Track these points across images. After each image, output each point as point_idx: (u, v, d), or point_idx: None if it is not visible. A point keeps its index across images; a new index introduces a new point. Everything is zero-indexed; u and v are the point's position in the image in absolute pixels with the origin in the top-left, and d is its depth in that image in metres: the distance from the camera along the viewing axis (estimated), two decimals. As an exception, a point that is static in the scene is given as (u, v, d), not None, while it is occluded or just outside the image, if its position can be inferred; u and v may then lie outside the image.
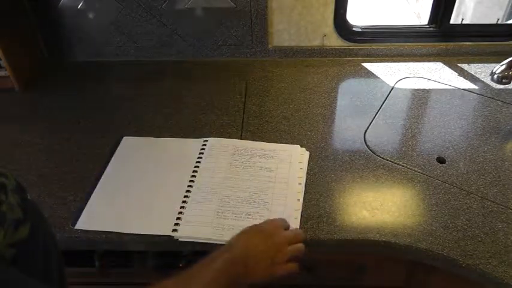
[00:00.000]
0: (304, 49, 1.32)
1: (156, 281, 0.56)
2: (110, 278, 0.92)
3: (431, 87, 1.20)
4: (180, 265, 0.86)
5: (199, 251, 0.78)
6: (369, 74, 1.26)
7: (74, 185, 0.91)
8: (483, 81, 1.21)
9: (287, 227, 0.75)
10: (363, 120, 1.07)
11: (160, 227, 0.80)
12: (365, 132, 1.03)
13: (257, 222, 0.77)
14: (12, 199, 0.46)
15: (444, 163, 0.95)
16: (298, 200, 0.85)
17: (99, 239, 0.81)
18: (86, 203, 0.85)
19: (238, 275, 0.63)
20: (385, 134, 1.03)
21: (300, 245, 0.71)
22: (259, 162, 0.94)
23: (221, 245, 0.77)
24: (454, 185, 0.89)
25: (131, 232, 0.80)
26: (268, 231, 0.70)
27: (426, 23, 1.34)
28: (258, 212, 0.83)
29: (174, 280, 0.58)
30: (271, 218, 0.81)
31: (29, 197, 0.52)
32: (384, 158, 0.96)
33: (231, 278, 0.62)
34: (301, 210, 0.83)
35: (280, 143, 1.00)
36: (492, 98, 1.15)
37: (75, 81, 1.28)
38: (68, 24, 1.27)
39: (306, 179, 0.90)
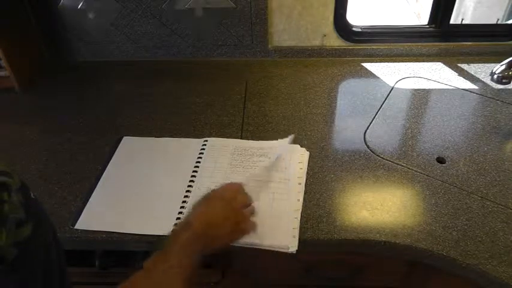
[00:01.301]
0: (304, 49, 1.32)
1: (124, 280, 0.56)
2: (110, 278, 0.92)
3: (431, 87, 1.20)
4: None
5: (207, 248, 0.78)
6: (369, 74, 1.26)
7: (74, 185, 0.91)
8: (483, 81, 1.21)
9: (240, 189, 0.76)
10: (363, 120, 1.07)
11: (160, 227, 0.80)
12: (365, 132, 1.03)
13: (257, 221, 0.77)
14: (15, 198, 0.46)
15: (444, 163, 0.95)
16: (298, 200, 0.85)
17: (99, 239, 0.81)
18: (86, 203, 0.85)
19: (203, 247, 0.65)
20: (385, 134, 1.03)
21: (252, 207, 0.75)
22: (259, 162, 0.94)
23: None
24: (454, 185, 0.89)
25: (131, 232, 0.80)
26: (226, 197, 0.71)
27: (426, 23, 1.34)
28: (258, 212, 0.83)
29: (143, 273, 0.58)
30: (271, 217, 0.82)
31: (32, 196, 0.52)
32: (384, 158, 0.96)
33: (197, 253, 0.63)
34: (301, 210, 0.83)
35: (280, 143, 1.00)
36: (492, 98, 1.15)
37: (75, 81, 1.28)
38: (68, 24, 1.27)
39: (306, 179, 0.90)
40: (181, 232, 0.64)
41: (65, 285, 0.54)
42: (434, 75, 1.25)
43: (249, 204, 0.76)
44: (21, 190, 0.48)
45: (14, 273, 0.43)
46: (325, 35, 1.29)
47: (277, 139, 1.01)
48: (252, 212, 0.76)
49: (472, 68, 1.27)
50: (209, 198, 0.71)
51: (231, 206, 0.71)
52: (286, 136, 0.95)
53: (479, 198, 0.85)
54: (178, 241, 0.63)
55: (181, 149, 0.99)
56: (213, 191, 0.73)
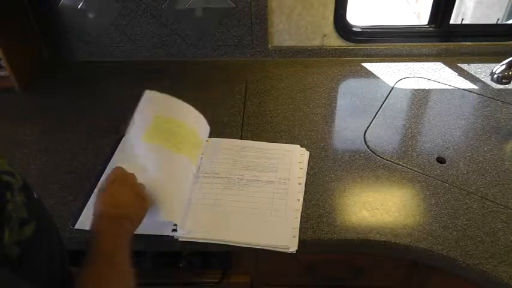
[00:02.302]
0: (304, 49, 1.32)
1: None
2: (110, 278, 0.92)
3: (431, 87, 1.20)
4: (180, 265, 0.86)
5: (199, 251, 0.78)
6: (369, 74, 1.26)
7: (74, 185, 0.91)
8: (483, 81, 1.21)
9: (122, 171, 0.76)
10: (363, 120, 1.07)
11: (160, 227, 0.80)
12: (365, 132, 1.03)
13: (258, 222, 0.77)
14: (18, 198, 0.46)
15: (444, 163, 0.95)
16: (298, 200, 0.85)
17: (99, 239, 0.80)
18: (86, 203, 0.85)
19: (129, 229, 0.66)
20: (385, 134, 1.03)
21: (142, 185, 0.75)
22: (259, 162, 0.94)
23: (221, 244, 0.78)
24: (454, 185, 0.89)
25: (131, 232, 0.80)
26: (119, 179, 0.72)
27: (426, 23, 1.34)
28: (258, 212, 0.83)
29: (87, 274, 0.57)
30: (271, 217, 0.82)
31: (35, 196, 0.52)
32: (383, 158, 0.96)
33: (125, 236, 0.64)
34: (301, 210, 0.83)
35: (280, 143, 1.00)
36: (492, 98, 1.15)
37: (75, 81, 1.28)
38: (68, 24, 1.27)
39: (306, 179, 0.90)
40: (95, 223, 0.65)
41: (68, 284, 0.54)
42: (434, 75, 1.25)
43: (136, 181, 0.75)
44: (24, 190, 0.48)
45: (21, 269, 0.43)
46: (325, 35, 1.29)
47: (277, 139, 1.01)
48: (141, 185, 0.75)
49: (472, 68, 1.27)
50: (105, 189, 0.71)
51: (128, 184, 0.72)
52: (286, 136, 0.95)
53: (479, 198, 0.85)
54: (99, 233, 0.63)
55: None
56: (103, 182, 0.73)
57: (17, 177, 0.48)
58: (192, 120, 0.94)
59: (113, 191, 0.70)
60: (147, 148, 0.84)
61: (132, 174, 0.75)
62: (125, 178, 0.73)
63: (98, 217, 0.66)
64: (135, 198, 0.71)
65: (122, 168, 0.75)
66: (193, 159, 0.89)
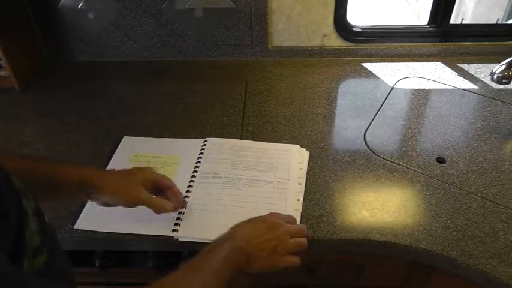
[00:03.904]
0: (304, 49, 1.32)
1: (159, 278, 0.56)
2: (110, 278, 0.92)
3: (431, 87, 1.20)
4: (180, 265, 0.86)
5: (199, 251, 0.78)
6: (369, 74, 1.26)
7: (74, 185, 0.90)
8: (483, 81, 1.21)
9: (292, 222, 0.75)
10: (363, 120, 1.07)
11: (160, 227, 0.80)
12: (365, 132, 1.03)
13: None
14: (32, 225, 0.42)
15: (444, 163, 0.95)
16: (298, 200, 0.85)
17: (99, 239, 0.81)
18: (86, 203, 0.85)
19: (240, 264, 0.63)
20: (385, 134, 1.03)
21: (303, 239, 0.71)
22: (259, 162, 0.94)
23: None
24: (454, 185, 0.89)
25: (131, 232, 0.80)
26: (271, 222, 0.70)
27: (426, 23, 1.34)
28: (258, 212, 0.82)
29: (179, 273, 0.58)
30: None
31: (46, 220, 0.48)
32: (383, 158, 0.96)
33: (233, 267, 0.62)
34: (301, 210, 0.83)
35: (280, 143, 1.00)
36: (492, 98, 1.15)
37: (75, 81, 1.28)
38: (68, 24, 1.27)
39: (306, 179, 0.90)
40: (223, 243, 0.64)
41: None
42: (434, 75, 1.25)
43: (298, 236, 0.71)
44: (37, 214, 0.44)
45: None
46: (325, 35, 1.29)
47: (277, 139, 1.01)
48: (301, 245, 0.71)
49: (472, 68, 1.27)
50: (255, 220, 0.70)
51: (274, 232, 0.69)
52: (286, 136, 0.95)
53: (479, 198, 0.85)
54: (220, 252, 0.62)
55: (181, 149, 0.99)
56: (259, 216, 0.72)
57: (29, 199, 0.44)
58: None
59: (258, 230, 0.67)
60: None
61: (293, 227, 0.71)
62: (279, 224, 0.70)
63: (227, 238, 0.65)
64: (271, 251, 0.67)
65: (289, 217, 0.74)
66: None
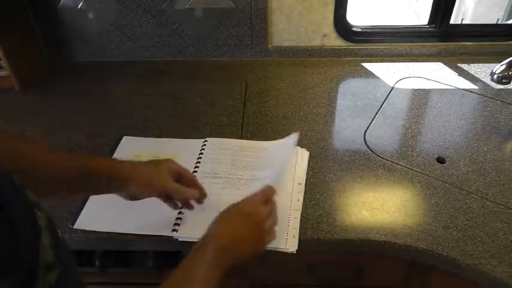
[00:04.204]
0: (304, 49, 1.32)
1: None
2: (110, 278, 0.92)
3: (431, 87, 1.20)
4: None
5: (231, 263, 0.77)
6: (369, 74, 1.26)
7: (74, 185, 0.90)
8: (483, 81, 1.21)
9: (266, 198, 0.72)
10: (363, 120, 1.07)
11: (160, 227, 0.80)
12: (365, 132, 1.03)
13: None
14: (45, 240, 0.39)
15: (444, 163, 0.95)
16: (298, 200, 0.85)
17: (99, 239, 0.81)
18: (86, 203, 0.85)
19: (228, 263, 0.63)
20: (385, 134, 1.03)
21: (274, 217, 0.71)
22: (259, 162, 0.94)
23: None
24: (454, 185, 0.89)
25: (131, 232, 0.80)
26: (248, 211, 0.69)
27: (426, 23, 1.34)
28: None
29: (167, 284, 0.57)
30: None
31: (59, 234, 0.46)
32: (383, 158, 0.96)
33: (222, 268, 0.62)
34: (301, 210, 0.83)
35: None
36: (492, 98, 1.15)
37: (75, 81, 1.28)
38: (68, 24, 1.27)
39: (306, 179, 0.90)
40: (207, 245, 0.63)
41: None
42: (434, 75, 1.25)
43: (271, 214, 0.71)
44: (50, 228, 0.42)
45: None
46: (325, 35, 1.29)
47: (277, 139, 1.01)
48: (275, 222, 0.72)
49: (472, 68, 1.27)
50: (231, 214, 0.69)
51: (253, 221, 0.68)
52: (288, 135, 0.95)
53: (479, 198, 0.85)
54: (204, 257, 0.61)
55: (181, 149, 0.99)
56: (234, 205, 0.70)
57: (42, 210, 0.41)
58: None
59: (239, 226, 0.67)
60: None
61: (267, 207, 0.70)
62: (256, 212, 0.69)
63: (210, 241, 0.63)
64: (255, 242, 0.68)
65: (261, 197, 0.71)
66: None
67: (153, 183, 0.71)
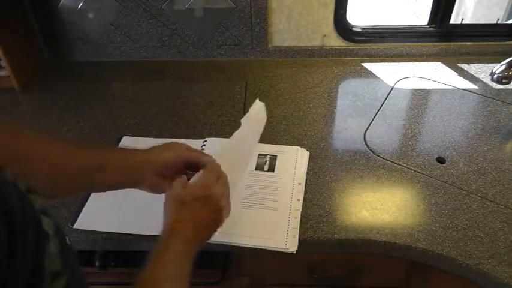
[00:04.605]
0: (304, 49, 1.32)
1: None
2: (110, 278, 0.92)
3: (431, 87, 1.20)
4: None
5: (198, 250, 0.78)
6: (369, 74, 1.26)
7: (74, 185, 0.90)
8: (483, 81, 1.21)
9: (215, 175, 0.69)
10: (363, 120, 1.07)
11: (160, 227, 0.80)
12: (365, 132, 1.03)
13: (257, 223, 0.77)
14: (53, 247, 0.39)
15: (444, 163, 0.95)
16: (298, 200, 0.85)
17: (99, 239, 0.81)
18: (86, 203, 0.85)
19: (195, 251, 0.63)
20: (385, 134, 1.03)
21: (228, 193, 0.70)
22: (258, 162, 0.94)
23: (218, 244, 0.77)
24: (454, 185, 0.89)
25: (131, 232, 0.80)
26: (203, 196, 0.66)
27: (426, 23, 1.34)
28: (257, 212, 0.83)
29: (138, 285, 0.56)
30: (271, 217, 0.81)
31: (68, 242, 0.45)
32: (383, 158, 0.96)
33: (192, 258, 0.61)
34: (301, 210, 0.83)
35: (280, 143, 1.00)
36: (492, 98, 1.15)
37: (75, 81, 1.28)
38: (68, 24, 1.27)
39: (306, 179, 0.90)
40: (172, 244, 0.61)
41: None
42: (434, 75, 1.25)
43: (225, 189, 0.69)
44: (58, 235, 0.41)
45: None
46: (325, 35, 1.29)
47: (277, 139, 1.01)
48: (228, 195, 0.69)
49: (472, 68, 1.27)
50: (187, 203, 0.66)
51: (211, 204, 0.66)
52: (286, 136, 0.95)
53: (479, 198, 0.85)
54: (171, 254, 0.60)
55: (181, 149, 0.98)
56: (186, 193, 0.67)
57: (50, 217, 0.40)
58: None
59: (199, 214, 0.65)
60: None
61: (220, 186, 0.68)
62: (209, 195, 0.66)
63: (174, 233, 0.62)
64: (212, 225, 0.66)
65: (211, 177, 0.69)
66: None
67: (169, 153, 0.70)
